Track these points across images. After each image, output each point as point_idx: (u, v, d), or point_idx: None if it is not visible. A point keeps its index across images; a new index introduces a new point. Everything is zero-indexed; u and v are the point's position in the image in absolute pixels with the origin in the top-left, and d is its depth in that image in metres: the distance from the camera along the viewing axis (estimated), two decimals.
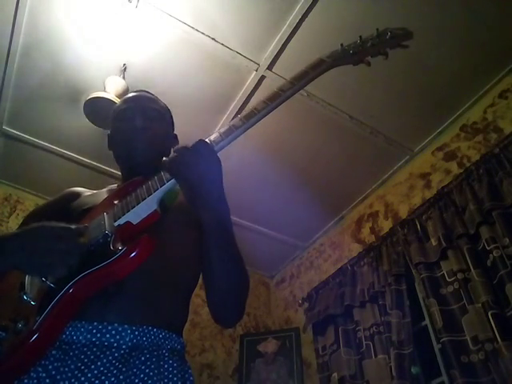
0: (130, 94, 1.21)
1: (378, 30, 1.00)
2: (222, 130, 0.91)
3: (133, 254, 0.80)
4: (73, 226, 0.83)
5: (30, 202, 3.06)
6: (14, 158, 2.85)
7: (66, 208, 1.06)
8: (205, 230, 0.91)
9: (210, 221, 0.89)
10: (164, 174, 0.90)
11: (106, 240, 0.84)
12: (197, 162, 0.85)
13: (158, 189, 0.89)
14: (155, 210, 0.89)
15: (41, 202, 3.03)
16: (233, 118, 0.94)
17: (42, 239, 0.79)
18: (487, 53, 2.33)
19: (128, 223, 0.88)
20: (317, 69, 0.99)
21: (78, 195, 1.12)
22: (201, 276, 1.06)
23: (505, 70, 2.41)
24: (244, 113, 0.93)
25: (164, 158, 1.01)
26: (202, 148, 0.87)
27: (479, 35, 2.24)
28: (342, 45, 1.00)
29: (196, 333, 3.22)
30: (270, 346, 3.25)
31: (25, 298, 0.81)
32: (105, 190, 1.13)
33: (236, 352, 3.31)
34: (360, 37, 0.99)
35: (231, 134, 0.90)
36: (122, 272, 0.81)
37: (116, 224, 0.88)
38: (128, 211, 0.89)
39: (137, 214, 0.89)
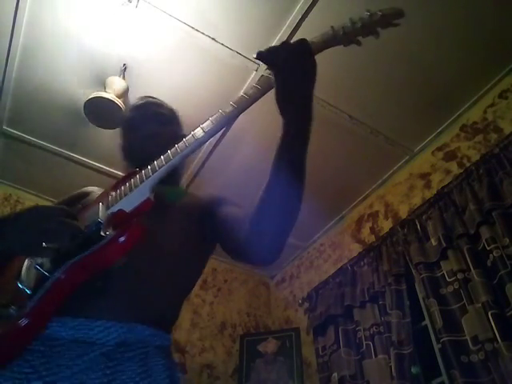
0: (136, 103, 1.23)
1: (369, 10, 0.99)
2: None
3: (122, 238, 0.81)
4: (66, 208, 0.84)
5: (30, 202, 3.05)
6: (14, 158, 2.85)
7: (75, 206, 1.06)
8: (286, 134, 0.88)
9: (296, 126, 0.88)
10: (157, 162, 0.92)
11: (98, 227, 0.85)
12: (300, 62, 0.84)
13: (150, 176, 0.91)
14: (148, 198, 0.90)
15: (41, 202, 3.03)
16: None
17: (34, 219, 0.81)
18: (487, 53, 2.32)
19: (121, 211, 0.89)
20: None
21: (87, 194, 1.14)
22: (198, 276, 1.05)
23: (505, 69, 2.41)
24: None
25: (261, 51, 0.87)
26: (306, 48, 0.85)
27: (479, 35, 2.24)
28: (332, 27, 0.99)
29: (196, 333, 3.21)
30: (269, 346, 3.25)
31: (20, 286, 0.82)
32: None
33: (236, 352, 3.31)
34: (350, 18, 0.99)
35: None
36: (112, 256, 0.82)
37: (109, 212, 0.89)
38: (121, 199, 0.91)
39: (129, 202, 0.90)
